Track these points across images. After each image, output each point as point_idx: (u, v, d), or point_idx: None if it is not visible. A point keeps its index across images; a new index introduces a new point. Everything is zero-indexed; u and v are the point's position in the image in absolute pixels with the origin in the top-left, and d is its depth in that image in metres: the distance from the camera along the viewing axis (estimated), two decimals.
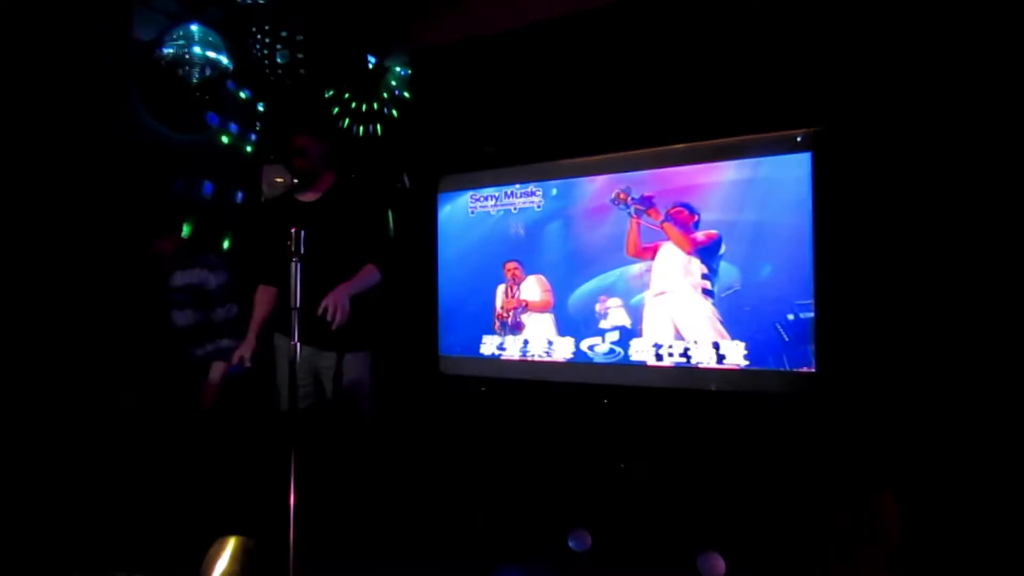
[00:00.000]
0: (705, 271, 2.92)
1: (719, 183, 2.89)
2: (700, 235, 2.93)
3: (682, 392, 2.89)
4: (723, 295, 2.87)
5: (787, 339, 2.69)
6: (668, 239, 3.00)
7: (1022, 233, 2.39)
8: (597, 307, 3.18)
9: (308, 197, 2.99)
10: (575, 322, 3.23)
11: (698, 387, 2.86)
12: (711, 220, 2.90)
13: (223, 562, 2.17)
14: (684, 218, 2.96)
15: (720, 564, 2.68)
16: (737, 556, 2.68)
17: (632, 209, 3.08)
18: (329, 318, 2.62)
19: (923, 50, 2.53)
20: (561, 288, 3.27)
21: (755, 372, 2.75)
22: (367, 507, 2.97)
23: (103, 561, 2.13)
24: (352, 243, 2.89)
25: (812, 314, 2.65)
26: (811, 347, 2.64)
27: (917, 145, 2.54)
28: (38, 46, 2.86)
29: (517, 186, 3.36)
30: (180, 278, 3.15)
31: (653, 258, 3.03)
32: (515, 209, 3.37)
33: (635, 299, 3.09)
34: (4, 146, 2.80)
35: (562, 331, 3.26)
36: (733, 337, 2.82)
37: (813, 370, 2.63)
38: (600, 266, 3.17)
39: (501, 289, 3.46)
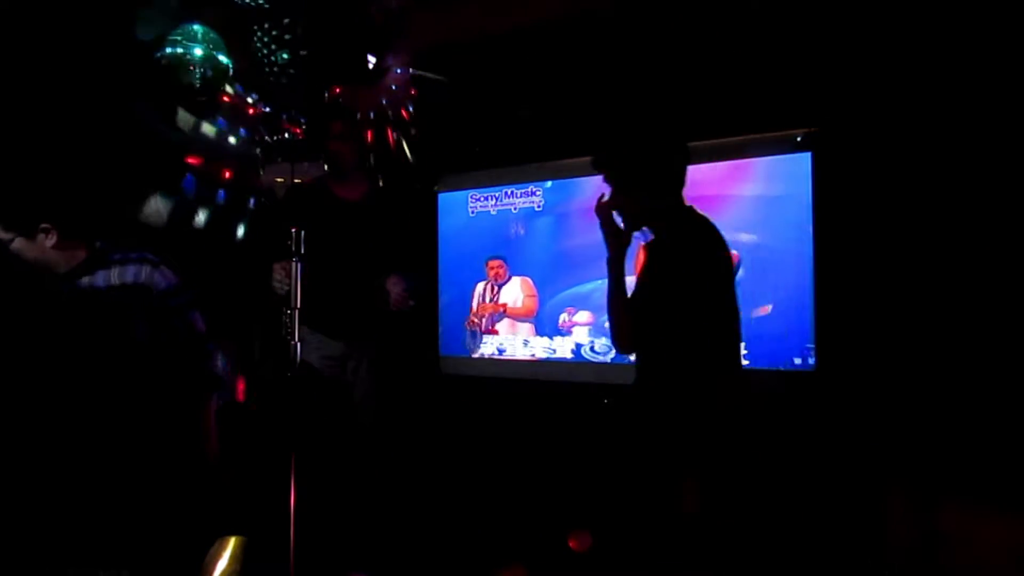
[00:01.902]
0: None
1: (733, 195, 2.81)
2: None
3: None
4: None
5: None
6: None
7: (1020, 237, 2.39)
8: (562, 318, 3.16)
9: (349, 195, 2.91)
10: (553, 331, 3.23)
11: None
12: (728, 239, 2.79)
13: (223, 562, 2.17)
14: None
15: (719, 564, 2.68)
16: (736, 556, 2.68)
17: (643, 235, 2.99)
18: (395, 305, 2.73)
19: (924, 49, 2.53)
20: (547, 294, 3.27)
21: (755, 372, 2.74)
22: (367, 507, 2.97)
23: (103, 560, 2.13)
24: (385, 251, 2.88)
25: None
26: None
27: (915, 146, 2.53)
28: (37, 46, 2.86)
29: (516, 186, 3.37)
30: (103, 277, 2.28)
31: None
32: (515, 209, 3.37)
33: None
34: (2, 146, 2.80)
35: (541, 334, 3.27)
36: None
37: (813, 370, 2.64)
38: (584, 274, 3.14)
39: (480, 288, 3.44)
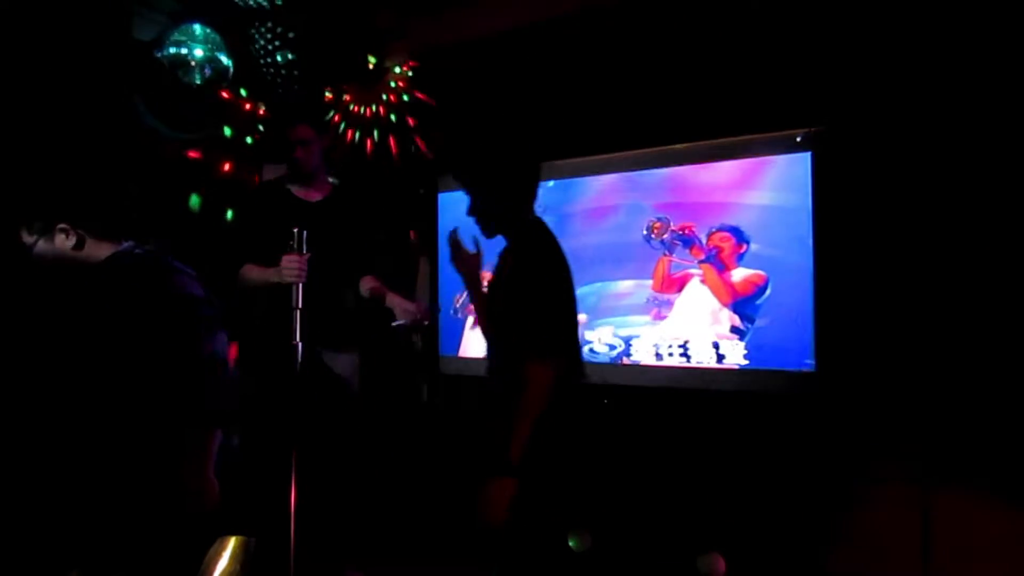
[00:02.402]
0: (737, 323, 2.75)
1: (731, 201, 2.74)
2: (741, 280, 2.74)
3: (682, 392, 2.89)
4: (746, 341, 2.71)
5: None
6: (703, 278, 2.83)
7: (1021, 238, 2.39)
8: None
9: (310, 196, 2.88)
10: None
11: (698, 387, 2.85)
12: (761, 253, 2.70)
13: (223, 562, 2.16)
14: (731, 249, 2.76)
15: (720, 564, 2.68)
16: (737, 556, 2.68)
17: (667, 247, 2.90)
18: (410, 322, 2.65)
19: (923, 48, 2.53)
20: None
21: (755, 372, 2.75)
22: (366, 507, 2.97)
23: (102, 560, 2.12)
24: (355, 251, 2.84)
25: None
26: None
27: (916, 145, 2.53)
28: (36, 46, 2.86)
29: None
30: (117, 281, 2.11)
31: (679, 291, 2.89)
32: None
33: (600, 322, 3.03)
34: (2, 146, 2.80)
35: None
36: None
37: (813, 370, 2.64)
38: (581, 276, 3.10)
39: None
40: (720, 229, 2.80)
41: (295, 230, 2.35)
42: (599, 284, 3.06)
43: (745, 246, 2.74)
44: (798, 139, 2.69)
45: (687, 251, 2.87)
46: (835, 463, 2.64)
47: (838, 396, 2.60)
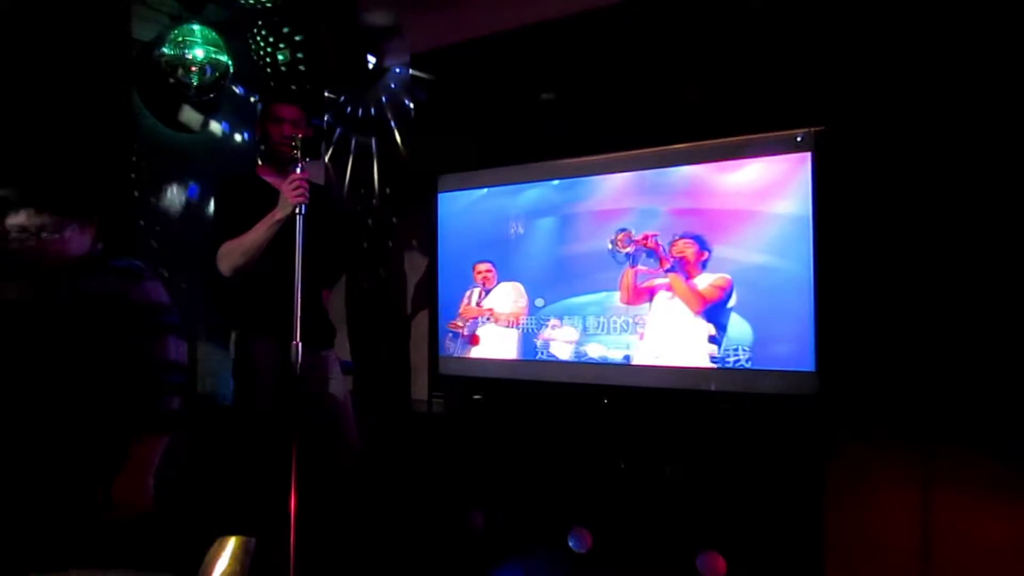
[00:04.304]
0: (713, 332, 2.76)
1: (728, 210, 2.74)
2: (708, 286, 2.77)
3: (682, 392, 2.89)
4: (730, 360, 2.73)
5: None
6: (670, 288, 2.85)
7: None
8: (544, 333, 3.15)
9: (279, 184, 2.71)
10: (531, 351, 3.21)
11: (698, 387, 2.85)
12: (723, 258, 2.73)
13: (223, 562, 2.16)
14: (693, 255, 2.79)
15: (720, 564, 2.68)
16: (737, 556, 2.68)
17: (630, 259, 2.92)
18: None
19: (923, 47, 2.53)
20: (537, 303, 3.24)
21: (755, 372, 2.74)
22: (366, 508, 2.97)
23: (102, 560, 2.12)
24: (324, 251, 2.81)
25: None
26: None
27: (919, 144, 2.53)
28: (35, 46, 2.85)
29: (515, 186, 3.36)
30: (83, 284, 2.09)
31: (650, 300, 2.91)
32: (513, 209, 3.37)
33: (595, 339, 3.03)
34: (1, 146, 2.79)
35: (525, 350, 3.25)
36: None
37: (813, 370, 2.63)
38: (580, 285, 3.09)
39: (468, 294, 3.42)
40: (684, 236, 2.83)
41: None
42: (601, 294, 3.05)
43: (707, 253, 2.78)
44: (799, 139, 2.68)
45: (656, 262, 2.89)
46: (834, 463, 2.64)
47: (837, 396, 2.60)
